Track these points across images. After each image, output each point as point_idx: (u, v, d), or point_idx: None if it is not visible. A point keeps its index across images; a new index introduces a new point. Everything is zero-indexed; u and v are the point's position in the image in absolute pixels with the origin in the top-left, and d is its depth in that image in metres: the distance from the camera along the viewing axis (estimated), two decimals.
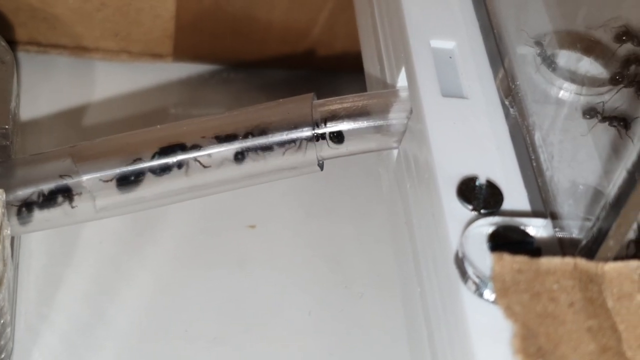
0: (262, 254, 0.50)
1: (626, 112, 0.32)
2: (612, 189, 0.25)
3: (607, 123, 0.31)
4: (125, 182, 0.36)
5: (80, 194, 0.37)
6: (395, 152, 0.38)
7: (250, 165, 0.37)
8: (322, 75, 0.60)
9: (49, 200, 0.37)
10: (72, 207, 0.37)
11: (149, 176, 0.37)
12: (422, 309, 0.32)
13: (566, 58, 0.35)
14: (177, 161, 0.37)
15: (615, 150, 0.30)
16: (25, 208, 0.36)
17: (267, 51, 0.58)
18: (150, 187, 0.37)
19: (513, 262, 0.25)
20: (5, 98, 0.39)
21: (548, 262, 0.25)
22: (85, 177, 0.36)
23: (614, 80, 0.32)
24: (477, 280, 0.27)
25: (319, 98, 0.38)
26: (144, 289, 0.46)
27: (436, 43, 0.37)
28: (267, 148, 0.37)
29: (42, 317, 0.44)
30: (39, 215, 0.37)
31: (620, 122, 0.31)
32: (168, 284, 0.47)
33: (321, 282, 0.48)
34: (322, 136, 0.37)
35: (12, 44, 0.53)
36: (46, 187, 0.36)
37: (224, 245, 0.50)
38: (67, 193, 0.37)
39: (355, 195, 0.53)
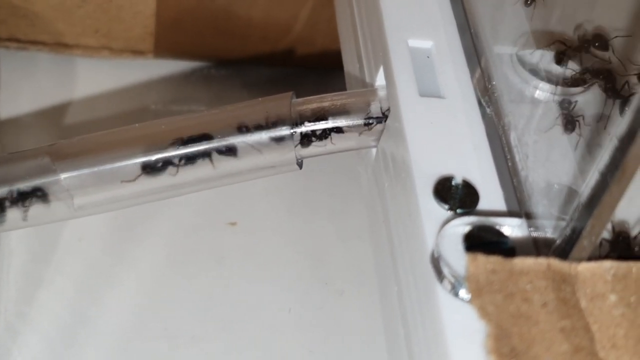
0: (242, 251, 0.50)
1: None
2: (585, 189, 0.25)
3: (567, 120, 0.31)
4: (104, 180, 0.36)
5: (58, 192, 0.36)
6: (373, 150, 0.38)
7: (229, 164, 0.37)
8: (304, 72, 0.60)
9: (25, 198, 0.37)
10: (50, 206, 0.37)
11: (130, 174, 0.37)
12: (399, 308, 0.32)
13: (541, 57, 0.35)
14: (156, 160, 0.36)
15: (589, 151, 0.30)
16: (2, 206, 0.36)
17: (248, 48, 0.58)
18: (128, 186, 0.37)
19: (487, 262, 0.25)
20: None
21: (522, 262, 0.26)
22: (63, 176, 0.36)
23: (581, 81, 0.33)
24: (452, 279, 0.27)
25: (300, 96, 0.38)
26: (124, 287, 0.46)
27: (414, 42, 0.37)
28: (246, 146, 0.37)
29: (22, 315, 0.44)
30: (16, 213, 0.37)
31: (575, 119, 0.31)
32: (148, 282, 0.47)
33: (302, 279, 0.49)
34: (303, 135, 0.37)
35: None
36: (24, 185, 0.36)
37: (205, 242, 0.50)
38: (44, 192, 0.36)
39: (336, 193, 0.53)
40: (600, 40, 0.32)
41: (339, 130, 0.37)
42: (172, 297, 0.47)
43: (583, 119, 0.31)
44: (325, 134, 0.37)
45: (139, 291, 0.46)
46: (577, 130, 0.31)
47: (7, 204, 0.36)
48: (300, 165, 0.38)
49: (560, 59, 0.34)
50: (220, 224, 0.51)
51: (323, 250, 0.50)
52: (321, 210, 0.52)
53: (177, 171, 0.37)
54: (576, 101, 0.32)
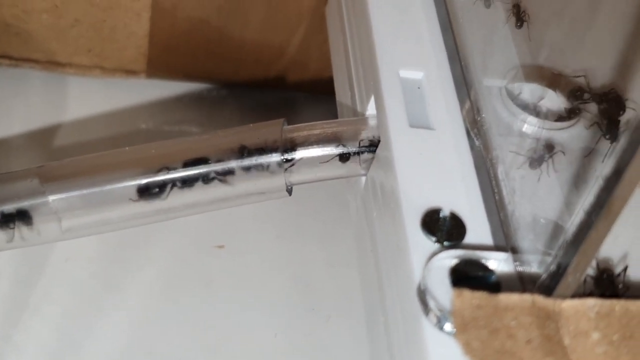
0: (229, 275, 0.50)
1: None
2: (570, 227, 0.25)
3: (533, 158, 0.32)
4: (92, 203, 0.36)
5: (46, 214, 0.36)
6: (363, 179, 0.38)
7: (218, 190, 0.37)
8: (296, 96, 0.61)
9: (13, 220, 0.37)
10: (38, 228, 0.37)
11: (117, 198, 0.37)
12: (386, 338, 0.32)
13: (530, 91, 0.35)
14: (146, 184, 0.37)
15: (576, 187, 0.30)
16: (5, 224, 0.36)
17: (241, 71, 0.59)
18: (118, 209, 0.37)
19: (472, 297, 0.26)
20: None
21: (507, 298, 0.26)
22: (51, 198, 0.36)
23: (573, 113, 0.33)
24: (438, 313, 0.28)
25: (290, 119, 0.38)
26: (110, 310, 0.46)
27: (405, 73, 0.37)
28: (236, 172, 0.37)
29: (7, 339, 0.44)
30: (2, 235, 0.37)
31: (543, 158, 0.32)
32: (134, 305, 0.47)
33: (288, 304, 0.49)
34: (291, 161, 0.37)
35: None
36: (11, 207, 0.36)
37: (192, 265, 0.50)
38: (32, 213, 0.36)
39: (324, 219, 0.53)
40: (618, 101, 0.32)
41: (326, 157, 0.37)
42: (158, 320, 0.46)
43: (552, 159, 0.31)
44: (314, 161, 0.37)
45: (126, 314, 0.46)
46: (545, 166, 0.31)
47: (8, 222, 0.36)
48: (289, 192, 0.38)
49: (574, 97, 0.34)
50: (208, 247, 0.51)
51: (310, 276, 0.50)
52: (309, 236, 0.52)
53: (167, 196, 0.37)
54: (550, 144, 0.32)
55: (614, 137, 0.29)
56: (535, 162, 0.31)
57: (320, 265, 0.51)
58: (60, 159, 0.38)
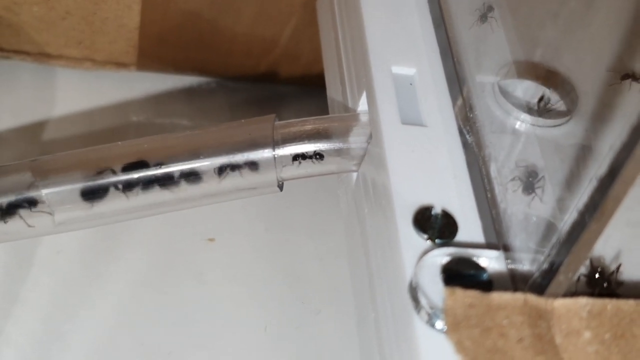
0: (220, 268, 0.50)
1: None
2: (564, 226, 0.26)
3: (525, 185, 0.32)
4: (86, 197, 0.36)
5: (39, 208, 0.36)
6: (354, 175, 0.38)
7: (210, 184, 0.37)
8: (286, 89, 0.61)
9: (7, 213, 0.36)
10: (31, 221, 0.37)
11: (110, 192, 0.37)
12: (376, 334, 0.32)
13: (523, 89, 0.35)
14: (138, 178, 0.37)
15: (569, 187, 0.30)
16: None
17: (231, 64, 0.59)
18: (110, 203, 0.37)
19: (465, 296, 0.26)
20: None
21: (499, 297, 0.26)
22: (44, 192, 0.36)
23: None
24: (429, 310, 0.28)
25: (281, 112, 0.39)
26: (101, 302, 0.46)
27: (397, 69, 0.37)
28: (227, 168, 0.37)
29: None
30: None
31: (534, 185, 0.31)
32: (125, 297, 0.47)
33: (279, 298, 0.49)
34: (289, 157, 0.37)
35: None
36: (4, 200, 0.36)
37: (182, 258, 0.50)
38: (25, 207, 0.36)
39: (314, 212, 0.53)
40: None
41: (319, 154, 0.37)
42: (148, 312, 0.46)
43: (542, 188, 0.31)
44: (306, 157, 0.37)
45: (116, 306, 0.46)
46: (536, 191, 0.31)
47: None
48: (281, 187, 0.38)
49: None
50: (198, 240, 0.51)
51: (300, 269, 0.50)
52: (299, 229, 0.53)
53: (160, 190, 0.37)
54: (534, 170, 0.32)
55: None
56: (528, 189, 0.31)
57: (310, 258, 0.51)
58: (51, 153, 0.38)
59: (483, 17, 0.37)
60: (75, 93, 0.57)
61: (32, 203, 0.36)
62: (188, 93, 0.59)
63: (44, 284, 0.46)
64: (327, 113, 0.44)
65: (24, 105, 0.55)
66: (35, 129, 0.54)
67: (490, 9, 0.37)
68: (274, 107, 0.59)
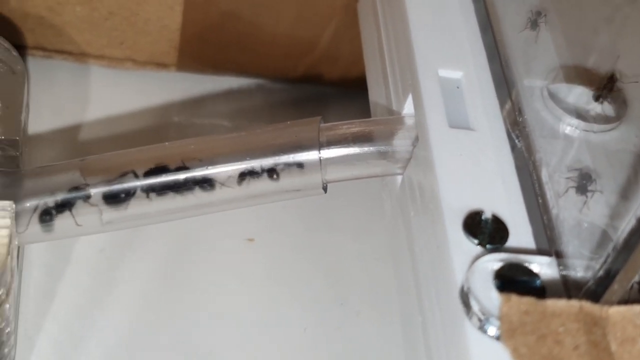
0: (259, 268, 0.50)
1: None
2: (621, 234, 0.25)
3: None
4: (131, 197, 0.37)
5: (87, 207, 0.37)
6: (399, 178, 0.38)
7: (256, 186, 0.38)
8: (324, 91, 0.61)
9: (56, 212, 0.37)
10: (79, 220, 0.37)
11: (158, 192, 0.37)
12: (423, 338, 0.32)
13: (575, 94, 0.35)
14: (183, 179, 0.37)
15: (624, 194, 0.30)
16: (32, 219, 0.37)
17: (270, 65, 0.59)
18: (155, 203, 0.37)
19: (520, 303, 0.26)
20: (16, 109, 0.39)
21: (554, 304, 0.26)
22: (93, 191, 0.37)
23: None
24: (481, 316, 0.28)
25: (319, 113, 0.39)
26: (140, 302, 0.46)
27: (444, 72, 0.37)
28: (273, 170, 0.37)
29: (37, 327, 0.44)
30: (45, 226, 0.37)
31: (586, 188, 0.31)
32: (163, 296, 0.47)
33: (318, 298, 0.49)
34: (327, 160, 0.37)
35: (19, 48, 0.53)
36: (54, 199, 0.37)
37: (222, 258, 0.50)
38: (74, 206, 0.37)
39: (354, 212, 0.53)
40: None
41: (363, 156, 0.38)
42: (189, 311, 0.47)
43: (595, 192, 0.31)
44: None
45: (153, 305, 0.46)
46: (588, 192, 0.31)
47: (36, 216, 0.36)
48: (325, 189, 0.39)
49: None
50: (238, 240, 0.51)
51: (340, 270, 0.50)
52: (339, 229, 0.53)
53: (208, 190, 0.37)
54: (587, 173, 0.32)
55: None
56: (580, 190, 0.31)
57: (349, 259, 0.51)
58: (92, 153, 0.39)
59: (533, 22, 0.37)
60: (115, 93, 0.57)
61: (80, 202, 0.37)
62: (227, 94, 0.59)
63: (84, 281, 0.46)
64: (366, 115, 0.44)
65: (64, 105, 0.56)
66: (76, 128, 0.54)
67: (539, 14, 0.37)
68: (312, 109, 0.59)
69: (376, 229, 0.52)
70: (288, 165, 0.37)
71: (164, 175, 0.37)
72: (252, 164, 0.37)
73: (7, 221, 0.35)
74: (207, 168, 0.37)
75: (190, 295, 0.47)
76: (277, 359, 0.46)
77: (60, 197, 0.36)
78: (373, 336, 0.47)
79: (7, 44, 0.42)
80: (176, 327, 0.46)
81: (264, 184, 0.37)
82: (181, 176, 0.37)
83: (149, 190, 0.37)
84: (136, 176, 0.37)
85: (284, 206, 0.52)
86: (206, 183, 0.37)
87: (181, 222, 0.49)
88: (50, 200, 0.37)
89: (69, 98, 0.56)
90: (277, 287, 0.49)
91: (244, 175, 0.37)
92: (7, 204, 0.35)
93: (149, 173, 0.37)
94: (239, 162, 0.37)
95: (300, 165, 0.37)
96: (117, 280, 0.47)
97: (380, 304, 0.49)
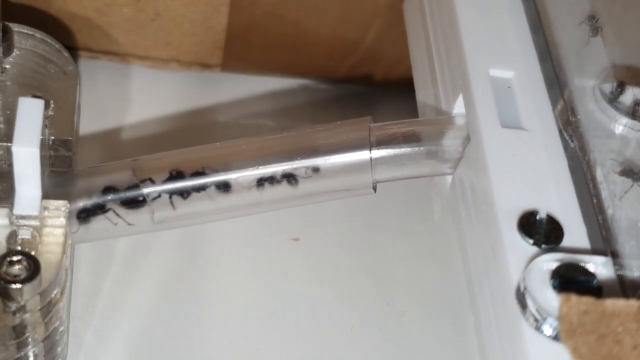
0: (305, 267, 0.50)
1: None
2: None
3: None
4: (186, 196, 0.37)
5: (139, 206, 0.37)
6: (449, 178, 0.38)
7: (305, 185, 0.38)
8: (366, 90, 0.61)
9: (107, 211, 0.37)
10: (130, 219, 0.38)
11: (209, 191, 0.37)
12: (477, 337, 0.32)
13: (628, 94, 0.35)
14: (237, 178, 0.37)
15: None
16: (86, 218, 0.37)
17: (314, 65, 0.59)
18: (207, 202, 0.38)
19: (580, 303, 0.26)
20: (70, 109, 0.40)
21: (613, 304, 0.26)
22: (145, 190, 0.37)
23: None
24: (537, 315, 0.28)
25: (361, 113, 0.39)
26: (189, 300, 0.46)
27: (495, 72, 0.37)
28: (324, 169, 0.37)
29: (85, 324, 0.45)
30: (98, 225, 0.38)
31: None
32: (212, 295, 0.47)
33: (363, 298, 0.49)
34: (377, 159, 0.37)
35: (70, 49, 0.54)
36: (107, 198, 0.37)
37: (267, 257, 0.50)
38: (126, 205, 0.37)
39: (399, 211, 0.53)
40: None
41: (413, 156, 0.38)
42: (236, 310, 0.47)
43: None
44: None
45: (204, 304, 0.47)
46: None
47: (95, 216, 0.37)
48: (375, 189, 0.39)
49: None
50: (283, 239, 0.51)
51: (384, 270, 0.51)
52: (383, 229, 0.53)
53: (256, 190, 0.37)
54: None
55: None
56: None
57: (394, 259, 0.51)
58: (139, 153, 0.39)
59: (587, 22, 0.37)
60: (159, 93, 0.58)
61: (133, 201, 0.37)
62: (271, 94, 0.60)
63: (134, 280, 0.47)
64: (408, 114, 0.44)
65: (108, 106, 0.56)
66: (120, 129, 0.55)
67: (592, 16, 0.37)
68: (354, 109, 0.60)
69: (421, 229, 0.52)
70: (338, 165, 0.37)
71: (214, 175, 0.37)
72: (303, 164, 0.37)
73: (62, 221, 0.35)
74: (257, 168, 0.37)
75: (236, 294, 0.48)
76: (324, 357, 0.46)
77: (113, 196, 0.37)
78: (419, 336, 0.47)
79: (58, 45, 0.43)
80: (224, 326, 0.46)
81: (314, 184, 0.38)
82: (232, 175, 0.37)
83: (201, 189, 0.37)
84: (187, 176, 0.37)
85: (328, 206, 0.52)
86: (258, 183, 0.37)
87: (228, 222, 0.50)
88: (102, 200, 0.37)
89: (114, 98, 0.57)
90: (323, 286, 0.49)
91: (294, 175, 0.37)
92: (62, 203, 0.36)
93: (196, 174, 0.37)
94: (289, 162, 0.37)
95: (350, 164, 0.37)
96: (165, 279, 0.47)
97: (426, 304, 0.49)
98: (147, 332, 0.45)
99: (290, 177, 0.37)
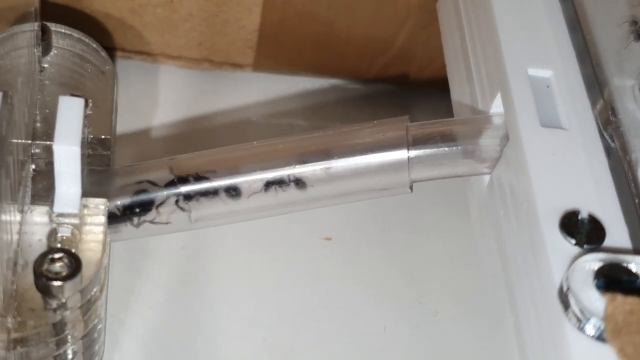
0: (337, 267, 0.50)
1: None
2: None
3: None
4: (227, 194, 0.37)
5: (177, 205, 0.37)
6: (486, 177, 0.38)
7: (342, 184, 0.38)
8: (397, 90, 0.61)
9: (146, 210, 0.38)
10: (168, 217, 0.38)
11: (245, 191, 0.38)
12: (517, 338, 0.32)
13: None
14: (274, 178, 0.37)
15: None
16: (124, 216, 0.37)
17: (345, 64, 0.59)
18: (245, 202, 0.38)
19: (625, 303, 0.26)
20: (107, 108, 0.40)
21: None
22: (183, 189, 0.37)
23: None
24: (580, 315, 0.28)
25: (394, 113, 0.39)
26: (220, 300, 0.47)
27: (533, 71, 0.37)
28: (361, 168, 0.37)
29: (120, 322, 0.45)
30: (135, 224, 0.38)
31: None
32: (244, 293, 0.47)
33: (397, 297, 0.49)
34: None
35: (107, 49, 0.54)
36: (145, 197, 0.37)
37: (299, 256, 0.50)
38: (164, 204, 0.37)
39: (432, 210, 0.53)
40: None
41: (450, 155, 0.38)
42: (268, 309, 0.47)
43: None
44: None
45: (236, 303, 0.47)
46: None
47: (133, 214, 0.37)
48: (411, 188, 0.39)
49: None
50: (315, 238, 0.51)
51: (417, 269, 0.50)
52: (416, 228, 0.53)
53: (294, 189, 0.37)
54: None
55: None
56: None
57: (427, 258, 0.51)
58: (174, 153, 0.39)
59: (627, 27, 0.37)
60: (191, 93, 0.58)
61: (170, 200, 0.37)
62: (302, 94, 0.60)
63: (166, 279, 0.47)
64: (440, 114, 0.44)
65: (141, 105, 0.56)
66: (153, 128, 0.55)
67: (634, 23, 0.37)
68: (386, 108, 0.60)
69: (454, 228, 0.52)
70: (376, 163, 0.37)
71: (256, 174, 0.37)
72: (340, 163, 0.37)
73: (102, 219, 0.36)
74: (294, 167, 0.37)
75: (271, 292, 0.48)
76: (358, 357, 0.46)
77: (150, 195, 0.37)
78: (453, 336, 0.47)
79: (95, 45, 0.43)
80: (258, 325, 0.46)
81: (351, 182, 0.38)
82: (269, 175, 0.37)
83: (237, 189, 0.38)
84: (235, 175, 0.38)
85: (360, 205, 0.52)
86: (296, 182, 0.37)
87: (260, 220, 0.50)
88: (140, 198, 0.37)
89: (146, 98, 0.57)
90: (355, 285, 0.49)
91: (331, 174, 0.38)
92: (102, 201, 0.36)
93: (229, 174, 0.38)
94: (327, 161, 0.37)
95: (388, 164, 0.37)
96: (198, 277, 0.48)
97: (458, 304, 0.49)
98: (179, 331, 0.45)
99: (327, 176, 0.37)
